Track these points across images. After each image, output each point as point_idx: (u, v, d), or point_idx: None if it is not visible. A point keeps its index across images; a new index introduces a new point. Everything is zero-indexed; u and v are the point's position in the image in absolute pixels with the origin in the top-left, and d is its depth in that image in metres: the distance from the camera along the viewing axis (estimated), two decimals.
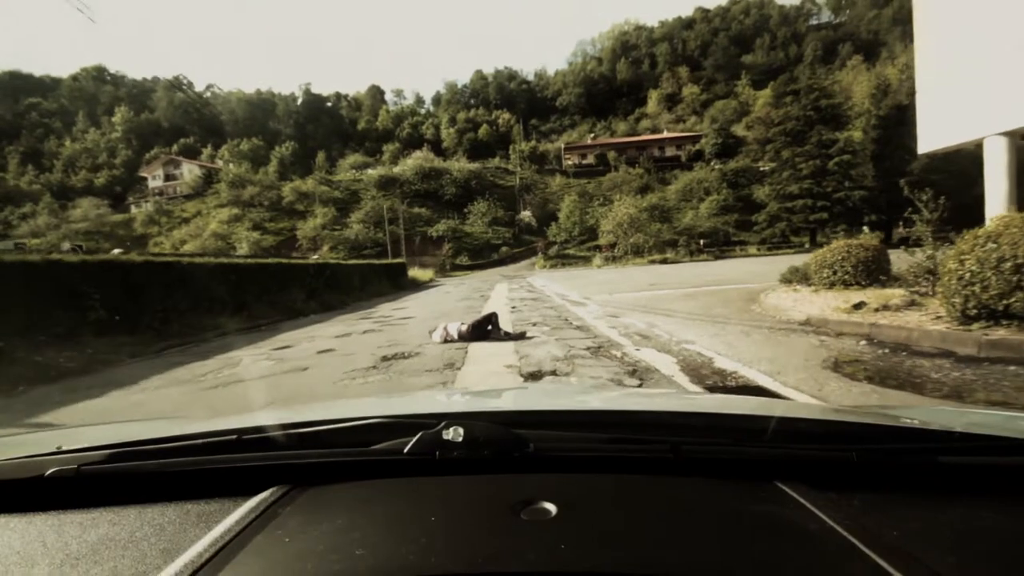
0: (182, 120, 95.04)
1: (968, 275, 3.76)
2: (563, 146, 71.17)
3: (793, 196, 34.85)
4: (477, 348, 5.24)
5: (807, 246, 31.81)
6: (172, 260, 9.25)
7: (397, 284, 22.67)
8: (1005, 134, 7.17)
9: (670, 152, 65.73)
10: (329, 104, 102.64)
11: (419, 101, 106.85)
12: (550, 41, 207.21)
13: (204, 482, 0.65)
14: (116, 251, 17.12)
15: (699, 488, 0.63)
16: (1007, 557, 0.51)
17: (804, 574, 0.47)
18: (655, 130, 75.55)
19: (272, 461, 0.67)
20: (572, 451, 0.68)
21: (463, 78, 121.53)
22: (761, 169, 46.25)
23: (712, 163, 58.09)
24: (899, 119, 32.73)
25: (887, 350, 3.89)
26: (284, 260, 15.24)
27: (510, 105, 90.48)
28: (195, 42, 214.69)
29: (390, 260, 28.95)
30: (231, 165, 73.01)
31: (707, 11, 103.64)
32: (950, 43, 7.82)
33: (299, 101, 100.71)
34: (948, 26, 7.86)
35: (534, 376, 3.83)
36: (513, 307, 9.65)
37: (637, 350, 4.60)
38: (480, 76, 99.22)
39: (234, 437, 0.69)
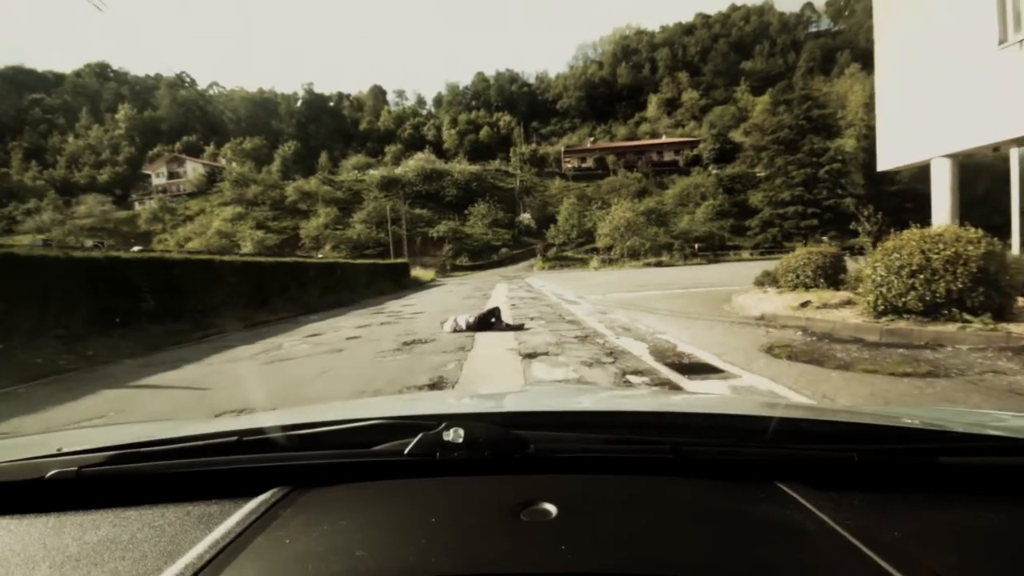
0: (185, 118, 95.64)
1: (879, 279, 4.70)
2: (563, 149, 72.04)
3: (785, 203, 35.91)
4: (483, 336, 6.16)
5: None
6: (207, 258, 10.17)
7: (400, 283, 23.59)
8: (949, 156, 8.15)
9: (668, 157, 66.60)
10: (331, 104, 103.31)
11: (420, 102, 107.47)
12: (552, 44, 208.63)
13: (205, 484, 0.65)
14: (135, 248, 18.00)
15: (699, 489, 0.63)
16: (1007, 557, 0.51)
17: (804, 574, 0.48)
18: (654, 134, 76.29)
19: (273, 463, 0.67)
20: (572, 452, 0.68)
21: (465, 80, 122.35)
22: (758, 175, 47.17)
23: (709, 168, 58.96)
24: None
25: (814, 338, 4.82)
26: (301, 259, 16.19)
27: (511, 107, 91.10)
28: (197, 40, 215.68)
29: (394, 260, 29.86)
30: (234, 164, 73.73)
31: (708, 17, 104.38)
32: (904, 75, 8.81)
33: (301, 101, 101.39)
34: (902, 60, 8.85)
35: (531, 356, 4.76)
36: (513, 304, 10.58)
37: (617, 339, 5.53)
38: (482, 78, 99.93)
39: (235, 439, 0.69)
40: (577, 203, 53.04)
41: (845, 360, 3.89)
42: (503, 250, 52.71)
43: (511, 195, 61.75)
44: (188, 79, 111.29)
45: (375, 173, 67.13)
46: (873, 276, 4.80)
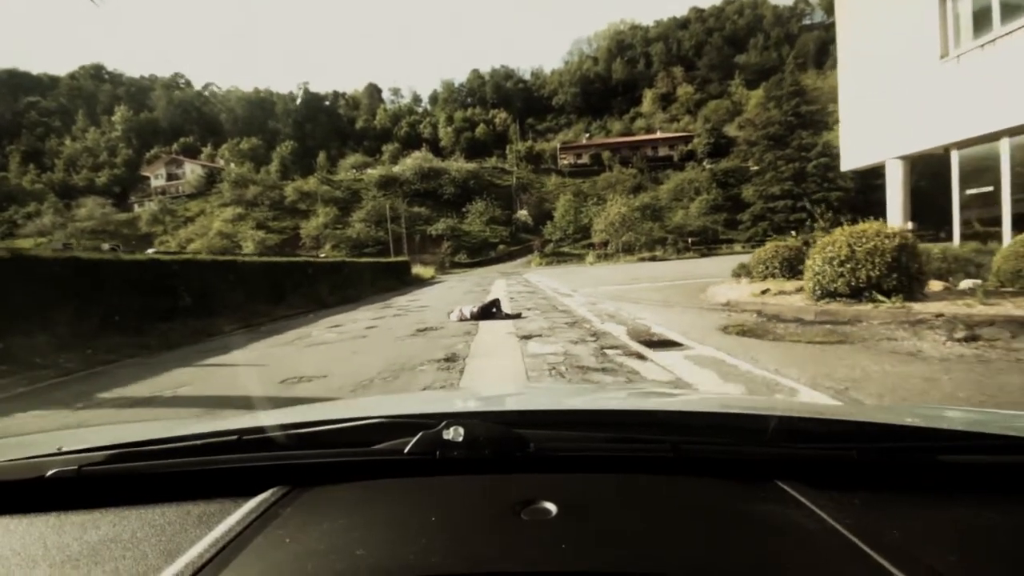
0: (181, 119, 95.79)
1: (816, 268, 5.62)
2: (559, 145, 72.68)
3: (775, 197, 36.89)
4: (485, 324, 7.07)
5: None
6: (230, 259, 11.06)
7: (403, 280, 24.47)
8: (901, 158, 9.08)
9: (663, 152, 67.28)
10: (327, 103, 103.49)
11: (416, 100, 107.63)
12: (546, 40, 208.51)
13: (205, 483, 0.65)
14: (151, 251, 18.85)
15: (699, 487, 0.63)
16: (1008, 556, 0.51)
17: (805, 573, 0.47)
18: (650, 129, 76.74)
19: (273, 461, 0.67)
20: (572, 451, 0.68)
21: (460, 77, 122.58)
22: (751, 169, 48.00)
23: (704, 163, 59.66)
24: None
25: (764, 319, 5.73)
26: (312, 260, 17.07)
27: (507, 104, 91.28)
28: (191, 40, 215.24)
29: (395, 258, 30.73)
30: (232, 165, 74.23)
31: (702, 11, 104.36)
32: (862, 83, 9.73)
33: (298, 100, 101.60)
34: (860, 70, 9.76)
35: (527, 337, 5.66)
36: (511, 298, 11.48)
37: (602, 324, 6.44)
38: (477, 75, 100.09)
39: (235, 438, 0.69)
40: (573, 199, 53.91)
41: (780, 334, 4.81)
42: (501, 247, 53.60)
43: (508, 192, 62.58)
44: (184, 80, 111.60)
45: (373, 172, 67.85)
46: (812, 266, 5.73)
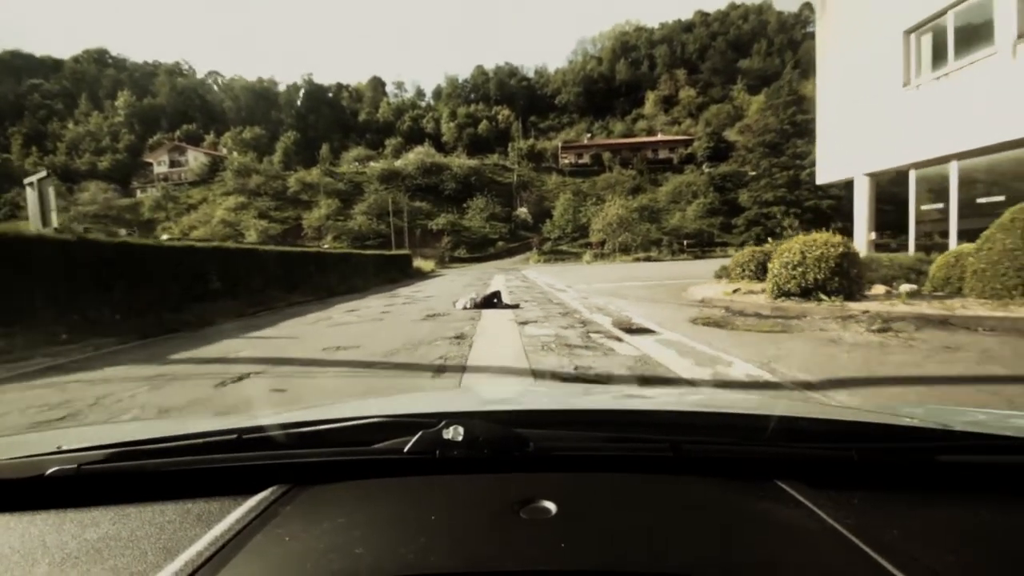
0: (184, 106, 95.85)
1: (775, 271, 6.52)
2: (560, 144, 73.36)
3: (769, 203, 37.87)
4: (488, 312, 7.95)
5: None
6: (250, 247, 11.91)
7: (405, 273, 25.33)
8: (868, 175, 9.99)
9: (663, 154, 68.08)
10: (330, 95, 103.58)
11: (420, 94, 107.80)
12: (551, 39, 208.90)
13: (204, 481, 0.65)
14: (164, 237, 19.62)
15: (699, 487, 0.63)
16: (1007, 556, 0.51)
17: (804, 573, 0.48)
18: (651, 131, 77.33)
19: (272, 460, 0.68)
20: (572, 450, 0.68)
21: (464, 72, 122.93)
22: (749, 174, 48.92)
23: (703, 167, 60.50)
24: None
25: (729, 313, 6.63)
26: (322, 250, 17.92)
27: (510, 101, 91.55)
28: (194, 27, 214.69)
29: (397, 252, 31.55)
30: (235, 153, 74.68)
31: (707, 15, 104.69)
32: (836, 106, 10.63)
33: (301, 91, 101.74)
34: (835, 93, 10.67)
35: (524, 323, 6.54)
36: (510, 292, 12.35)
37: (591, 314, 7.32)
38: (481, 71, 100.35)
39: (234, 436, 0.69)
40: (573, 198, 54.79)
41: (737, 325, 5.72)
42: (500, 243, 54.47)
43: (509, 189, 63.38)
44: (187, 66, 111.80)
45: (376, 166, 68.53)
46: (772, 269, 6.63)
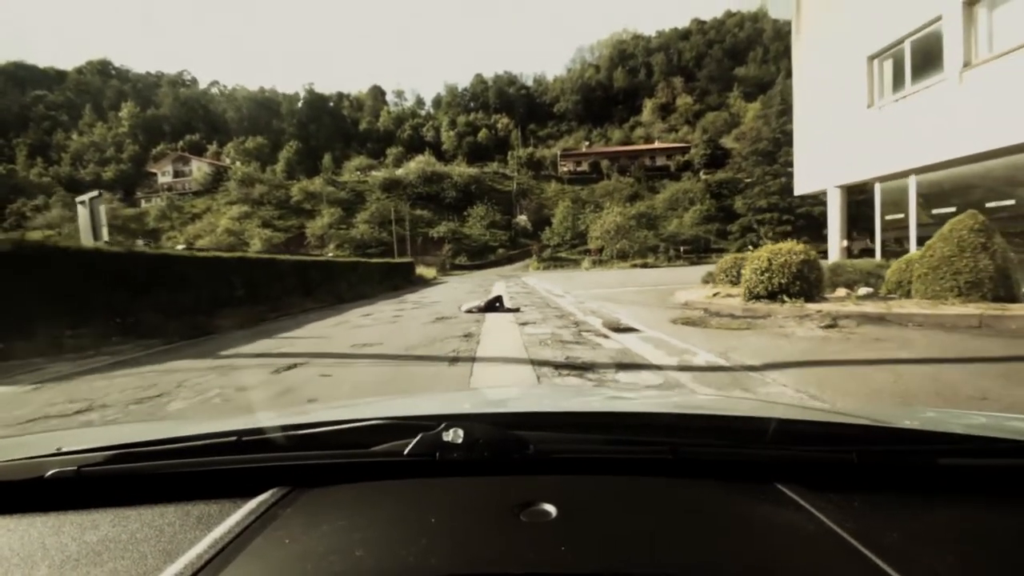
0: (187, 116, 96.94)
1: (747, 276, 7.33)
2: (559, 153, 74.50)
3: (763, 209, 38.79)
4: (491, 315, 8.75)
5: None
6: (269, 257, 12.75)
7: (408, 280, 26.16)
8: (839, 187, 10.83)
9: (660, 162, 69.13)
10: (331, 104, 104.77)
11: (419, 103, 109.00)
12: (550, 47, 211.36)
13: (204, 483, 0.66)
14: (180, 247, 20.45)
15: (699, 489, 0.63)
16: (1006, 558, 0.51)
17: (804, 575, 0.48)
18: (649, 139, 78.18)
19: (272, 463, 0.68)
20: (572, 453, 0.68)
21: (463, 81, 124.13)
22: (745, 181, 49.83)
23: (700, 173, 61.43)
24: None
25: (707, 314, 7.44)
26: (332, 259, 18.77)
27: (509, 109, 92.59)
28: (197, 37, 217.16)
29: (400, 260, 32.40)
30: (238, 163, 75.74)
31: (703, 23, 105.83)
32: (810, 122, 11.49)
33: (301, 100, 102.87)
34: (809, 111, 11.53)
35: (524, 324, 7.34)
36: (511, 297, 13.14)
37: (584, 316, 8.12)
38: (480, 80, 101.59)
39: (234, 439, 0.70)
40: (572, 206, 55.78)
41: (711, 324, 6.52)
42: (500, 250, 55.40)
43: (508, 197, 64.43)
44: (189, 77, 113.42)
45: (377, 175, 69.65)
46: (745, 274, 7.45)
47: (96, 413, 3.41)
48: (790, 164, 38.46)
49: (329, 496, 0.64)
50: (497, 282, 23.55)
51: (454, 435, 0.65)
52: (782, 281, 6.89)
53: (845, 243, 10.56)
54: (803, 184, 11.95)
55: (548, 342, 5.67)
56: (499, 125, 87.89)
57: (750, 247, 12.83)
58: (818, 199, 38.27)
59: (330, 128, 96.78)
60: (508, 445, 0.66)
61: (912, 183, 9.07)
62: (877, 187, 9.93)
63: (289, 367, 4.69)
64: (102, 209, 7.93)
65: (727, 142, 66.74)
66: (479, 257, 53.88)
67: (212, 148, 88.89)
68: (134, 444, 0.71)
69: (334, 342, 6.39)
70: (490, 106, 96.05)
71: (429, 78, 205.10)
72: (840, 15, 10.52)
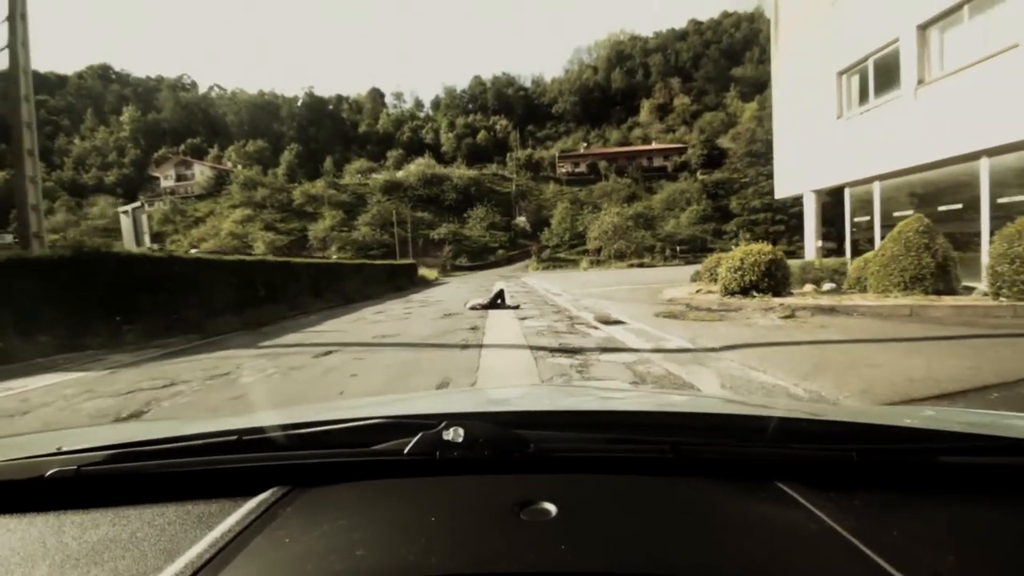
0: (188, 120, 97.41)
1: (722, 274, 8.19)
2: (558, 154, 75.31)
3: (757, 209, 39.66)
4: (493, 312, 9.61)
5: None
6: (285, 260, 13.64)
7: (411, 281, 27.04)
8: (814, 191, 11.69)
9: (658, 162, 69.94)
10: (331, 107, 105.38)
11: (418, 105, 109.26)
12: (548, 48, 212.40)
13: (204, 483, 0.66)
14: (193, 251, 21.34)
15: (699, 488, 0.63)
16: (1007, 557, 0.51)
17: (804, 574, 0.48)
18: (646, 139, 78.73)
19: (272, 462, 0.68)
20: (572, 451, 0.68)
21: (462, 83, 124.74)
22: (741, 181, 50.64)
23: (697, 174, 62.18)
24: None
25: (686, 308, 8.28)
26: (340, 261, 19.67)
27: (508, 111, 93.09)
28: (195, 41, 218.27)
29: (403, 261, 33.27)
30: (240, 167, 76.49)
31: (700, 23, 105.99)
32: (788, 130, 12.36)
33: (301, 103, 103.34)
34: (787, 120, 12.39)
35: (523, 318, 8.20)
36: (511, 295, 14.01)
37: (578, 312, 8.97)
38: (479, 82, 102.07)
39: (234, 438, 0.70)
40: (570, 207, 56.67)
41: (689, 317, 7.39)
42: (500, 251, 56.29)
43: (508, 199, 65.32)
44: (189, 81, 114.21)
45: (378, 177, 70.49)
46: (721, 273, 8.32)
47: (181, 386, 4.27)
48: None
49: (329, 495, 0.63)
50: (497, 282, 24.31)
51: (454, 434, 0.65)
52: (753, 278, 7.76)
53: (820, 243, 11.42)
54: (782, 188, 12.82)
55: (544, 333, 6.53)
56: (498, 127, 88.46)
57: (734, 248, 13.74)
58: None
59: (330, 131, 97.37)
60: (508, 444, 0.66)
61: (876, 188, 9.93)
62: (847, 192, 10.78)
63: (326, 353, 5.55)
64: (144, 218, 8.79)
65: (724, 142, 67.20)
66: (479, 258, 54.74)
67: (213, 152, 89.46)
68: (134, 443, 0.71)
69: (356, 334, 7.25)
70: (488, 108, 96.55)
71: (427, 80, 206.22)
72: (813, 33, 11.39)
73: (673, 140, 76.50)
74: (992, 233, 6.93)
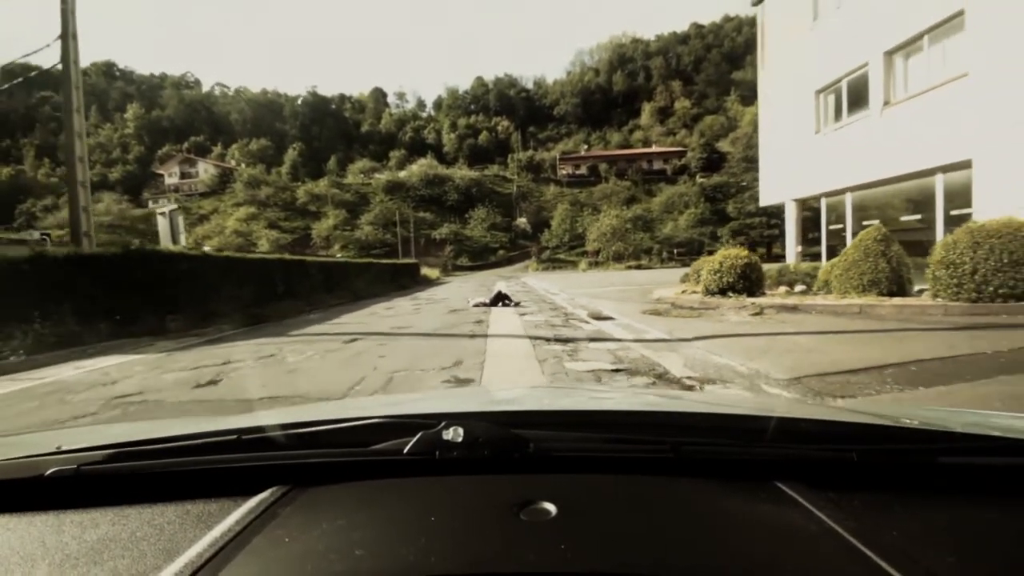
0: (191, 118, 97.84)
1: (703, 276, 9.05)
2: (558, 156, 76.16)
3: (752, 214, 40.50)
4: (496, 309, 10.48)
5: (764, 257, 37.56)
6: (300, 259, 14.51)
7: (415, 280, 27.92)
8: (795, 200, 12.56)
9: (658, 165, 70.72)
10: (333, 106, 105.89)
11: (421, 105, 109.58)
12: (550, 50, 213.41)
13: (204, 482, 0.66)
14: (205, 248, 22.15)
15: (699, 488, 0.63)
16: (1007, 557, 0.51)
17: (804, 574, 0.48)
18: (647, 142, 79.22)
19: (272, 461, 0.68)
20: (572, 451, 0.68)
21: (464, 84, 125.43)
22: (740, 184, 51.40)
23: (696, 177, 62.90)
24: None
25: (670, 306, 9.15)
26: (349, 260, 20.56)
27: (509, 112, 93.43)
28: (199, 38, 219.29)
29: (406, 261, 34.17)
30: (243, 165, 77.23)
31: (701, 26, 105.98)
32: (772, 143, 13.23)
33: (304, 102, 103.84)
34: (770, 133, 13.26)
35: (523, 314, 9.06)
36: (512, 294, 14.88)
37: (573, 309, 9.84)
38: (481, 82, 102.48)
39: (234, 437, 0.70)
40: (570, 209, 57.57)
41: (672, 314, 8.25)
42: (501, 252, 57.21)
43: (509, 200, 66.23)
44: (193, 78, 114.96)
45: (381, 177, 71.38)
46: (703, 275, 9.18)
47: (238, 364, 5.13)
48: None
49: (329, 495, 0.63)
50: (498, 282, 25.24)
51: (454, 434, 0.65)
52: (730, 280, 8.64)
53: (799, 248, 12.28)
54: (767, 196, 13.70)
55: (542, 326, 7.39)
56: (499, 128, 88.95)
57: (714, 249, 14.67)
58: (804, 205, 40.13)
59: (333, 130, 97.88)
60: (508, 444, 0.66)
61: (848, 199, 10.80)
62: (823, 201, 11.65)
63: (352, 340, 6.42)
64: (180, 220, 9.65)
65: (724, 146, 67.73)
66: (480, 258, 55.64)
67: (217, 150, 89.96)
68: (134, 443, 0.72)
69: (374, 326, 8.12)
70: (490, 109, 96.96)
71: (430, 80, 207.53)
72: (795, 52, 12.26)
73: (674, 143, 77.06)
74: None
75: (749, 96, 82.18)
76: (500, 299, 11.24)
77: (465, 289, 19.70)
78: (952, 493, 0.61)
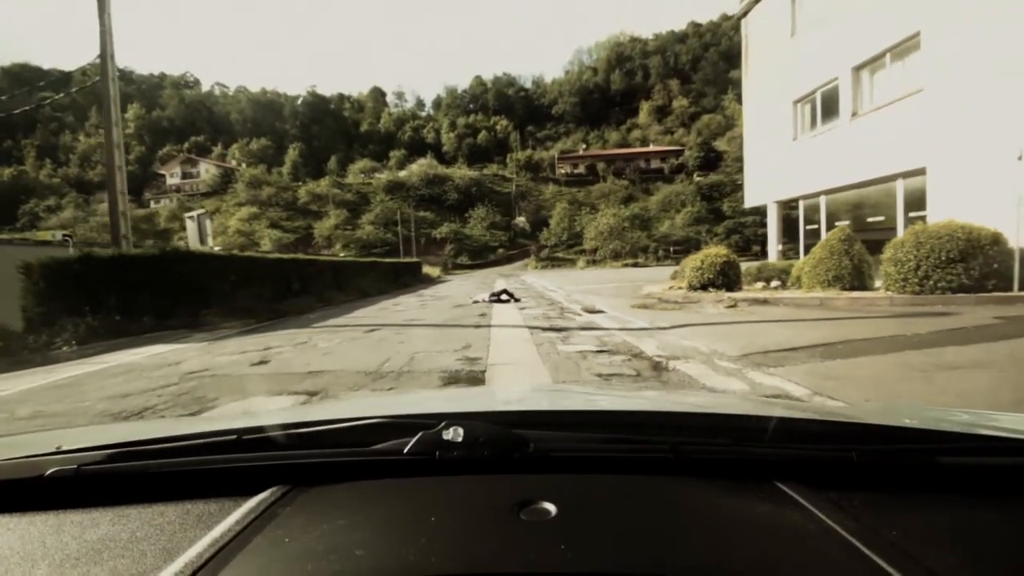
0: (192, 117, 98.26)
1: (687, 272, 9.92)
2: (557, 155, 76.88)
3: (746, 212, 41.26)
4: (497, 305, 11.34)
5: (758, 255, 38.43)
6: (312, 258, 15.39)
7: (417, 278, 28.78)
8: (776, 202, 13.43)
9: (655, 164, 71.42)
10: (332, 106, 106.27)
11: (420, 104, 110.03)
12: (548, 49, 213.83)
13: (204, 482, 0.66)
14: (216, 248, 22.95)
15: (699, 488, 0.63)
16: (1006, 557, 0.51)
17: (803, 574, 0.48)
18: (645, 141, 79.73)
19: (272, 461, 0.68)
20: (572, 451, 0.69)
21: (463, 83, 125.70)
22: (734, 183, 52.18)
23: (693, 176, 63.57)
24: None
25: (657, 301, 10.01)
26: (355, 259, 21.42)
27: (508, 111, 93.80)
28: (198, 38, 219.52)
29: (408, 259, 35.02)
30: (245, 165, 77.87)
31: (699, 25, 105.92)
32: (755, 147, 14.09)
33: (304, 102, 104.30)
34: (754, 138, 14.13)
35: (522, 309, 9.91)
36: (512, 291, 15.77)
37: (568, 304, 10.70)
38: (479, 82, 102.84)
39: (234, 437, 0.70)
40: (569, 207, 58.36)
41: (657, 307, 9.11)
42: (500, 250, 58.05)
43: (508, 199, 67.02)
44: (192, 78, 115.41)
45: (381, 177, 72.11)
46: (686, 271, 10.05)
47: (277, 350, 5.97)
48: None
49: (329, 495, 0.64)
50: (498, 280, 26.15)
51: (454, 434, 0.66)
52: (710, 276, 9.51)
53: (780, 246, 13.16)
54: (751, 198, 14.58)
55: (539, 318, 8.25)
56: (498, 127, 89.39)
57: (705, 246, 15.56)
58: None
59: (332, 129, 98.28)
60: (508, 444, 0.66)
61: (822, 201, 11.67)
62: (801, 203, 12.52)
63: (372, 330, 7.28)
64: (208, 223, 10.48)
65: (721, 144, 68.16)
66: (480, 257, 56.45)
67: (217, 149, 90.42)
68: (134, 443, 0.72)
69: (387, 319, 8.98)
70: (489, 108, 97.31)
71: (429, 79, 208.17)
72: (776, 62, 13.11)
73: (671, 142, 77.55)
74: None
75: None
76: (501, 295, 12.12)
77: (466, 287, 20.56)
78: (952, 493, 0.61)
